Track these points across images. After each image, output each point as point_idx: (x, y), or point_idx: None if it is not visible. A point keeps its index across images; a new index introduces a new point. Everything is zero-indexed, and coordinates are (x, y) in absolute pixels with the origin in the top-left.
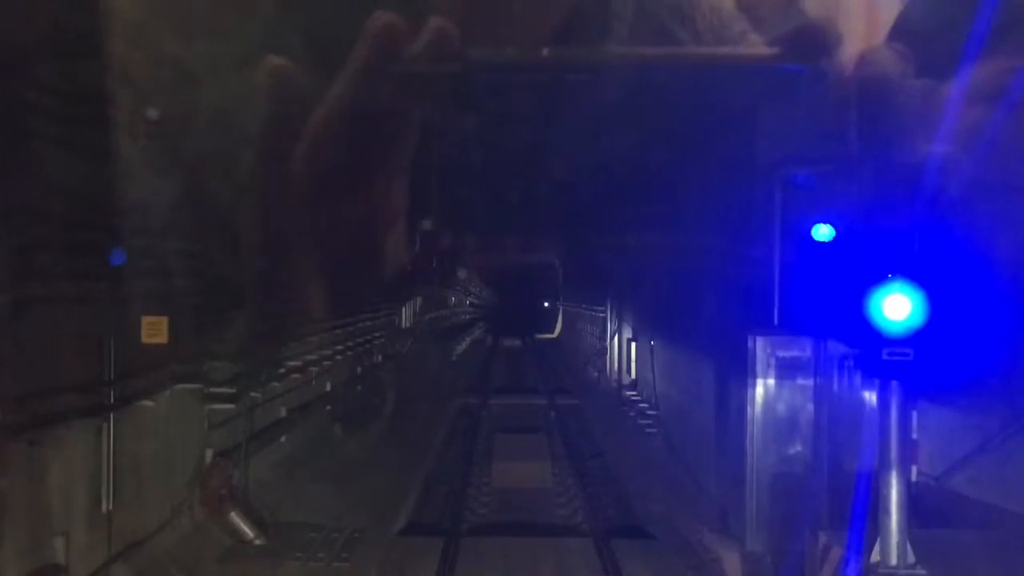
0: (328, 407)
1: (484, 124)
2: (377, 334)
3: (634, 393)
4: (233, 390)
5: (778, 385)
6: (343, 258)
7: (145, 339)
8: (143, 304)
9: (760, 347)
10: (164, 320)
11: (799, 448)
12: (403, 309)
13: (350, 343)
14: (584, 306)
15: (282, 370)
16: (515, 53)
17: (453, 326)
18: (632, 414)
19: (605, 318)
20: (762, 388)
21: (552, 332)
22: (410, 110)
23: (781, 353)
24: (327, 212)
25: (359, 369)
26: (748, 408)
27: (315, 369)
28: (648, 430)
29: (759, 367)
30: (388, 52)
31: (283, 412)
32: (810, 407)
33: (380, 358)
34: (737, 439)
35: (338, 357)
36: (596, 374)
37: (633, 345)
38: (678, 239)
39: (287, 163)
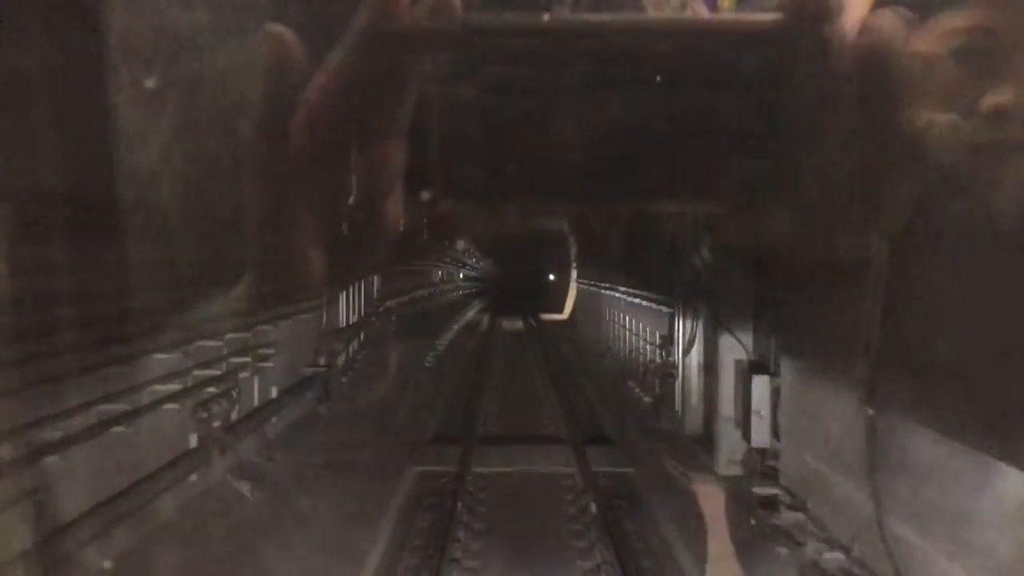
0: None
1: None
2: (253, 356)
3: (776, 492)
4: None
5: None
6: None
7: None
8: None
9: None
10: None
11: None
12: (341, 299)
13: (181, 390)
14: (621, 290)
15: None
16: (515, 19)
17: (437, 308)
18: (783, 551)
19: (670, 318)
20: None
21: (561, 312)
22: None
23: None
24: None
25: (201, 439)
26: None
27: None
28: None
29: None
30: (390, 17)
31: None
32: None
33: (274, 392)
34: None
35: (123, 430)
36: (649, 401)
37: (760, 383)
38: None
39: None
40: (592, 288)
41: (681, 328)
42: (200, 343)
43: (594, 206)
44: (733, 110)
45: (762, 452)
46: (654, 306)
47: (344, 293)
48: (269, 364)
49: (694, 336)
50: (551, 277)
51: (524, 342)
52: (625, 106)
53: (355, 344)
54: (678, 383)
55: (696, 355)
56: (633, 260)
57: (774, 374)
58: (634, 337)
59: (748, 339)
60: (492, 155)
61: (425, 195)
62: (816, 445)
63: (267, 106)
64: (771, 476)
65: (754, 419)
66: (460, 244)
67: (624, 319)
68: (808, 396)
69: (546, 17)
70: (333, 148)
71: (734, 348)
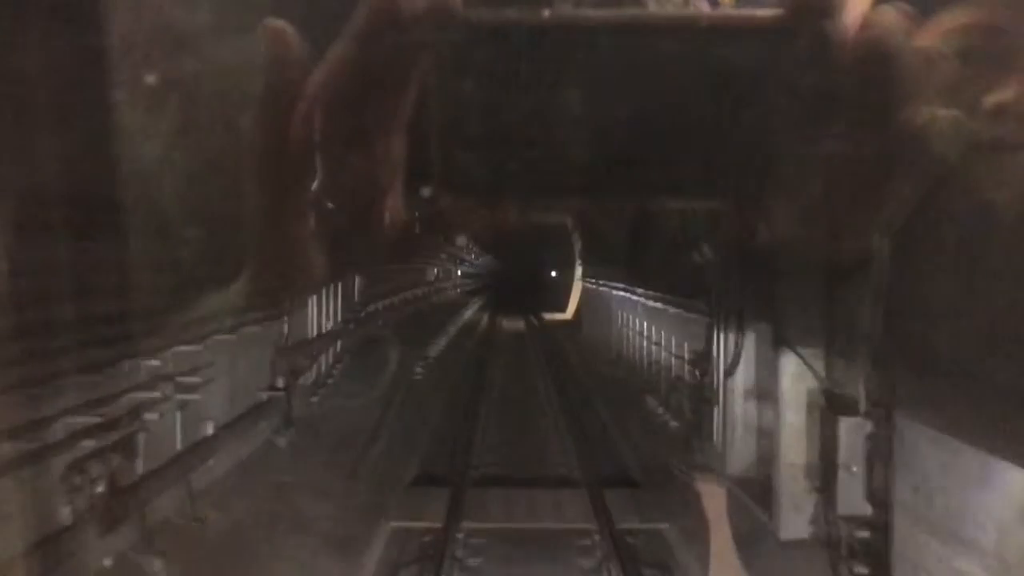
0: None
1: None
2: (169, 388)
3: None
4: None
5: None
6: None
7: None
8: None
9: None
10: None
11: None
12: (310, 304)
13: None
14: (638, 291)
15: None
16: (516, 14)
17: (431, 308)
18: None
19: (707, 329)
20: None
21: (564, 311)
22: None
23: None
24: None
25: (77, 511)
26: None
27: None
28: None
29: None
30: (389, 14)
31: None
32: None
33: (210, 429)
34: None
35: None
36: (677, 426)
37: (852, 427)
38: None
39: None
40: (600, 287)
41: (723, 342)
42: (82, 378)
43: (598, 201)
44: (735, 103)
45: (851, 521)
46: (684, 313)
47: (315, 297)
48: (195, 396)
49: (739, 353)
50: (553, 274)
51: (525, 344)
52: (627, 100)
53: (329, 356)
54: (717, 411)
55: (743, 378)
56: (652, 258)
57: (866, 415)
58: (654, 347)
59: (820, 362)
60: (493, 149)
61: (425, 190)
62: (974, 541)
63: (260, 100)
64: (867, 556)
65: (842, 476)
66: (459, 240)
67: (640, 325)
68: (953, 463)
69: (547, 13)
70: (327, 142)
71: (802, 375)
